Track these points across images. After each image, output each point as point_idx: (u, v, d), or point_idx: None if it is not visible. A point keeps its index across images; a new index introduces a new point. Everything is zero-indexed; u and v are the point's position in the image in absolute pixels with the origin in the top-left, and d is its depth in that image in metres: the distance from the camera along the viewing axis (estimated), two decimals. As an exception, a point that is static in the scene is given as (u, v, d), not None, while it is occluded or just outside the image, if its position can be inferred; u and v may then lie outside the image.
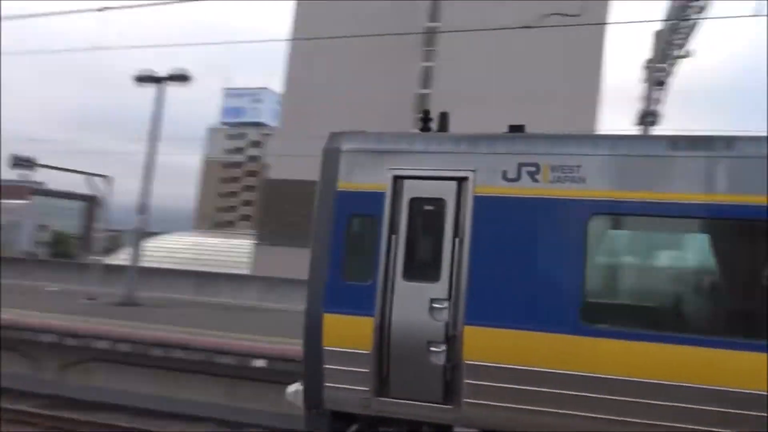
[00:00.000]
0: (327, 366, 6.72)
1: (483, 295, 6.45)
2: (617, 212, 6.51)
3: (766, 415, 5.47)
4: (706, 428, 5.65)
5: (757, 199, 5.81)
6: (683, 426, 5.72)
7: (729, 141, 6.32)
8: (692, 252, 7.17)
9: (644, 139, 8.22)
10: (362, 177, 6.96)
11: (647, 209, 6.22)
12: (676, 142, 6.49)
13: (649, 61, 20.68)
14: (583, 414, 6.06)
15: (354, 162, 7.04)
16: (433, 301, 6.50)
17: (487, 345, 6.38)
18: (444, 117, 7.58)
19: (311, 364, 6.88)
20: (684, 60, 20.94)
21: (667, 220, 6.40)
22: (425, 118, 7.56)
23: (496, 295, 6.46)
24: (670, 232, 6.99)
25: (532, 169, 6.50)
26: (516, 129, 7.16)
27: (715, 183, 6.05)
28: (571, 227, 6.34)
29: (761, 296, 5.91)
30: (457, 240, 6.53)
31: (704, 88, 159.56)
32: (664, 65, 20.76)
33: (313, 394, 6.87)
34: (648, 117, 20.35)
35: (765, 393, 5.47)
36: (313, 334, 6.86)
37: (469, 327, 6.39)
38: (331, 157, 7.12)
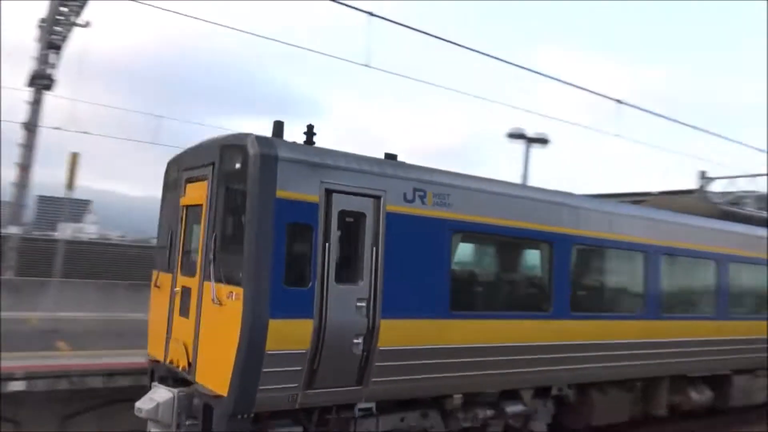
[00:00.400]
0: (265, 369, 6.62)
1: (393, 293, 7.55)
2: (468, 231, 8.75)
3: (542, 356, 8.98)
4: (520, 369, 8.91)
5: (537, 226, 9.13)
6: (513, 370, 8.84)
7: (536, 190, 10.07)
8: (512, 258, 10.05)
9: (492, 181, 9.29)
10: (298, 187, 6.98)
11: (487, 230, 8.91)
12: (510, 185, 9.92)
13: (43, 21, 19.65)
14: (456, 374, 8.28)
15: (290, 171, 6.95)
16: (358, 300, 7.34)
17: (395, 333, 7.59)
18: (310, 129, 7.98)
19: (248, 370, 6.55)
20: (83, 29, 19.97)
21: (498, 237, 9.26)
22: (309, 133, 7.97)
23: (401, 293, 7.67)
24: (500, 246, 9.72)
25: (422, 194, 8.01)
26: (390, 157, 8.46)
27: (523, 214, 9.12)
28: (442, 240, 8.21)
29: (539, 286, 9.66)
30: (374, 248, 7.48)
31: (109, 62, 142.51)
32: (60, 29, 19.80)
33: (244, 400, 6.62)
34: (41, 79, 19.43)
35: (533, 344, 8.97)
36: (256, 340, 6.55)
37: (383, 320, 7.49)
38: (267, 164, 6.84)
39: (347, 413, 7.56)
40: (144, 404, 7.04)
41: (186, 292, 7.73)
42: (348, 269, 7.42)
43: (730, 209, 15.35)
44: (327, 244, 7.11)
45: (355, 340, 7.27)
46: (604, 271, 10.73)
